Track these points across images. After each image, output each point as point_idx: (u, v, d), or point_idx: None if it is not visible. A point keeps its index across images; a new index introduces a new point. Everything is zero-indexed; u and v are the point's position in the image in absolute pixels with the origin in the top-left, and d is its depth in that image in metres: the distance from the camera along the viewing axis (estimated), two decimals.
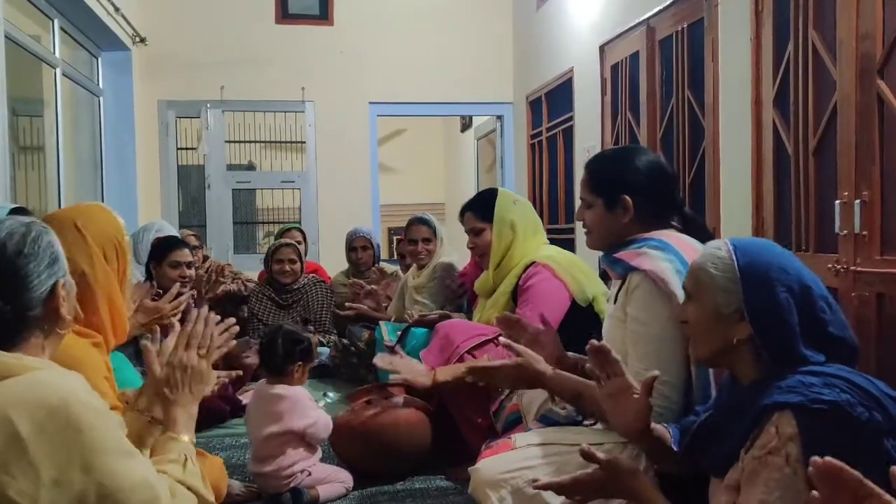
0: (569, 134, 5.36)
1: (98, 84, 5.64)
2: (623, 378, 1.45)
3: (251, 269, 5.22)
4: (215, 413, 3.19)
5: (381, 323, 3.45)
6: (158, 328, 1.68)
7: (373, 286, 4.11)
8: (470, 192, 6.02)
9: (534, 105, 6.15)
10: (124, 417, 1.40)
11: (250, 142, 6.60)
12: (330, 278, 4.85)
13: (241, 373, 2.16)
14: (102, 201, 5.62)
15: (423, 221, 3.88)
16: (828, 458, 0.86)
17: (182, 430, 1.38)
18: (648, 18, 4.03)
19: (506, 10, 6.53)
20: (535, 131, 6.13)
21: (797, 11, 2.81)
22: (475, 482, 1.72)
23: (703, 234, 1.83)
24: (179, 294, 2.88)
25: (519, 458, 1.69)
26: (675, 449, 1.46)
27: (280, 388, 2.42)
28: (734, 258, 1.34)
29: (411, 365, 2.46)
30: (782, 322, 1.28)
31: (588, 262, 2.73)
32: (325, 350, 4.05)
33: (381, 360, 2.44)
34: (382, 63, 6.34)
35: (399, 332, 3.13)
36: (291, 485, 2.35)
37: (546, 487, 1.43)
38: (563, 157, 5.53)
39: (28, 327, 1.19)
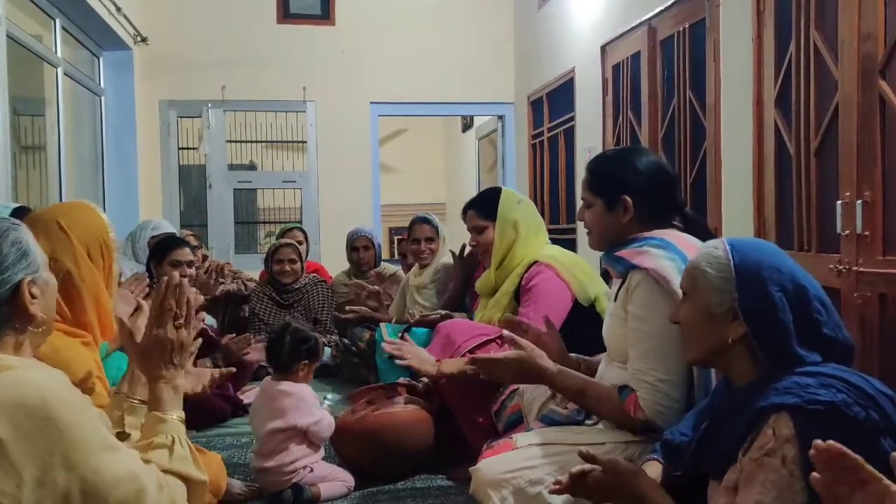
0: (570, 134, 5.36)
1: (99, 83, 5.64)
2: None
3: (252, 268, 5.22)
4: (216, 412, 3.19)
5: (381, 325, 3.46)
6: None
7: (375, 286, 4.12)
8: (471, 193, 6.03)
9: (535, 105, 6.15)
10: (110, 402, 1.39)
11: (251, 141, 6.60)
12: (331, 278, 4.85)
13: (234, 370, 2.16)
14: (104, 201, 5.63)
15: (426, 221, 3.89)
16: (830, 442, 0.86)
17: (168, 406, 1.33)
18: (650, 18, 4.03)
19: (507, 10, 6.53)
20: (536, 131, 6.13)
21: (799, 11, 2.81)
22: (476, 482, 1.72)
23: (705, 234, 1.83)
24: None
25: (520, 458, 1.69)
26: (670, 471, 1.46)
27: (285, 385, 2.43)
28: (730, 257, 1.34)
29: (418, 352, 2.46)
30: (777, 321, 1.29)
31: (589, 262, 2.73)
32: (325, 350, 4.05)
33: (389, 345, 2.45)
34: (384, 63, 6.34)
35: (400, 334, 3.13)
36: (293, 481, 2.35)
37: (559, 492, 1.42)
38: (565, 158, 5.53)
39: None
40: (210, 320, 4.08)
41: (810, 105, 2.76)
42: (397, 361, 2.39)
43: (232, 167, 6.44)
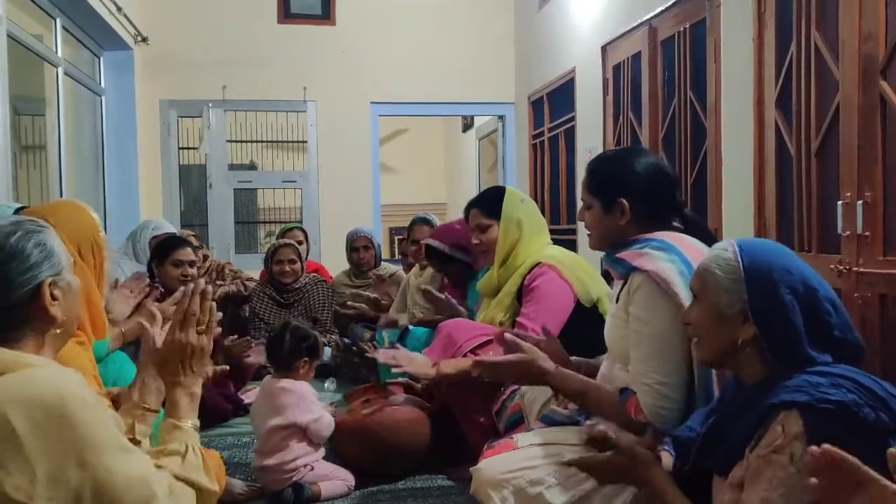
0: (570, 134, 5.36)
1: (100, 83, 5.64)
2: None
3: (252, 268, 5.22)
4: (217, 412, 3.19)
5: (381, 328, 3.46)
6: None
7: (371, 295, 4.14)
8: (471, 193, 6.03)
9: (535, 105, 6.15)
10: (122, 410, 1.40)
11: (252, 141, 6.60)
12: (332, 278, 4.85)
13: (227, 368, 2.16)
14: (104, 200, 5.63)
15: (426, 222, 3.90)
16: (825, 447, 0.86)
17: (185, 413, 1.35)
18: (650, 19, 4.03)
19: (507, 10, 6.53)
20: (536, 131, 6.13)
21: (800, 12, 2.81)
22: (477, 482, 1.72)
23: (705, 235, 1.82)
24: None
25: (521, 458, 1.69)
26: (678, 463, 1.46)
27: (286, 382, 2.43)
28: (739, 259, 1.34)
29: (413, 357, 2.45)
30: (787, 322, 1.29)
31: (590, 263, 2.73)
32: (326, 350, 4.05)
33: (382, 355, 2.44)
34: (384, 63, 6.34)
35: (399, 335, 3.14)
36: (294, 479, 2.36)
37: (573, 464, 1.42)
38: (565, 158, 5.53)
39: (17, 326, 1.20)
40: None
41: (811, 105, 2.76)
42: (394, 370, 2.39)
43: (232, 167, 6.44)
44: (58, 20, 4.66)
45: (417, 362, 2.41)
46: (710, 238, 1.77)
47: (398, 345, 3.01)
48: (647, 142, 4.12)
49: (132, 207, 5.71)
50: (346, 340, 3.98)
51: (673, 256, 1.67)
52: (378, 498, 2.42)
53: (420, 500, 2.40)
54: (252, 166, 6.77)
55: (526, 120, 6.31)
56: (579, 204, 1.98)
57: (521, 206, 2.68)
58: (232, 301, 4.51)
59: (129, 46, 5.66)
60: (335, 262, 5.23)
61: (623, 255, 1.75)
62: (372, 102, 6.43)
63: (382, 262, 4.73)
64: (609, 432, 1.36)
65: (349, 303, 4.12)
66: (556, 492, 1.59)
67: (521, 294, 2.56)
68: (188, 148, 6.40)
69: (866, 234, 2.44)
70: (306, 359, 2.46)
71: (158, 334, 1.47)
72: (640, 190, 1.80)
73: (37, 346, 1.21)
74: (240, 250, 6.39)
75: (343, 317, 4.18)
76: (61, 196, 4.68)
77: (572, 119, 5.28)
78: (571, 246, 4.76)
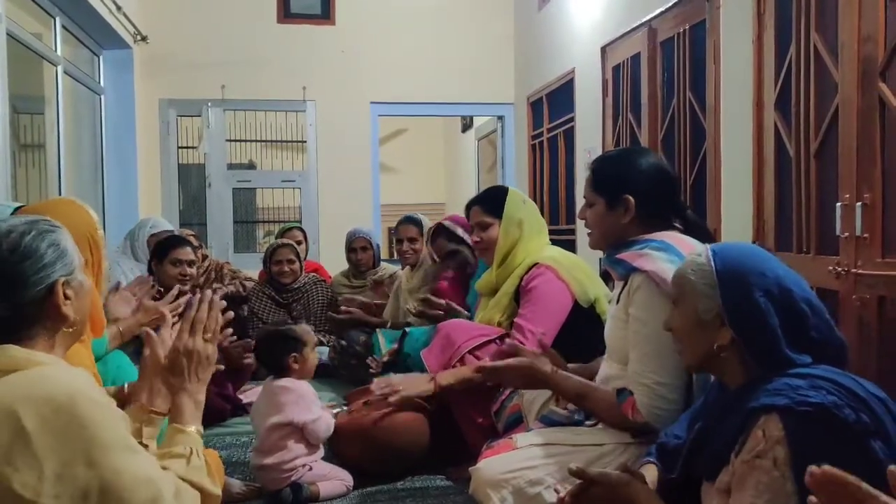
0: (570, 135, 5.37)
1: (99, 82, 5.64)
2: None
3: (251, 268, 5.22)
4: (216, 412, 3.19)
5: (378, 331, 3.46)
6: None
7: (363, 299, 4.14)
8: (470, 193, 6.04)
9: (535, 106, 6.15)
10: (129, 412, 1.41)
11: (251, 141, 6.60)
12: (330, 278, 4.85)
13: (222, 367, 2.16)
14: (103, 199, 5.63)
15: (410, 220, 3.90)
16: (826, 467, 0.86)
17: (189, 419, 1.37)
18: (650, 20, 4.03)
19: (507, 11, 6.54)
20: (535, 132, 6.13)
21: (799, 14, 2.81)
22: (476, 482, 1.72)
23: (705, 236, 1.83)
24: (181, 294, 2.88)
25: (520, 459, 1.70)
26: (665, 473, 1.46)
27: (286, 381, 2.44)
28: (712, 263, 1.34)
29: (409, 379, 2.49)
30: (763, 325, 1.29)
31: (589, 263, 2.73)
32: (324, 350, 4.05)
33: (378, 385, 2.46)
34: (384, 63, 6.35)
35: (397, 340, 3.15)
36: (292, 479, 2.36)
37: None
38: (564, 158, 5.53)
39: (30, 325, 1.21)
40: None
41: (810, 107, 2.76)
42: (391, 399, 2.41)
43: (231, 166, 6.44)
44: (57, 19, 4.66)
45: (413, 383, 2.45)
46: (710, 239, 1.77)
47: (396, 345, 3.03)
48: (646, 143, 4.12)
49: (131, 206, 5.71)
50: (343, 342, 3.98)
51: (673, 257, 1.67)
52: (377, 498, 2.42)
53: (419, 500, 2.40)
54: (251, 166, 6.77)
55: (525, 120, 6.31)
56: (578, 204, 1.98)
57: (522, 206, 2.69)
58: (231, 301, 4.50)
59: (129, 45, 5.66)
60: (334, 262, 5.23)
61: (623, 255, 1.76)
62: (371, 102, 6.43)
63: (382, 263, 4.72)
64: (577, 468, 1.36)
65: (342, 308, 4.12)
66: (554, 492, 1.59)
67: (518, 294, 2.56)
68: (187, 147, 6.40)
69: (865, 235, 2.44)
70: (294, 354, 2.46)
71: (168, 335, 1.48)
72: (645, 188, 1.81)
73: (48, 344, 1.23)
74: (238, 250, 6.39)
75: (338, 321, 4.17)
76: (60, 195, 4.68)
77: (571, 120, 5.29)
78: (570, 246, 4.76)
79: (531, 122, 6.24)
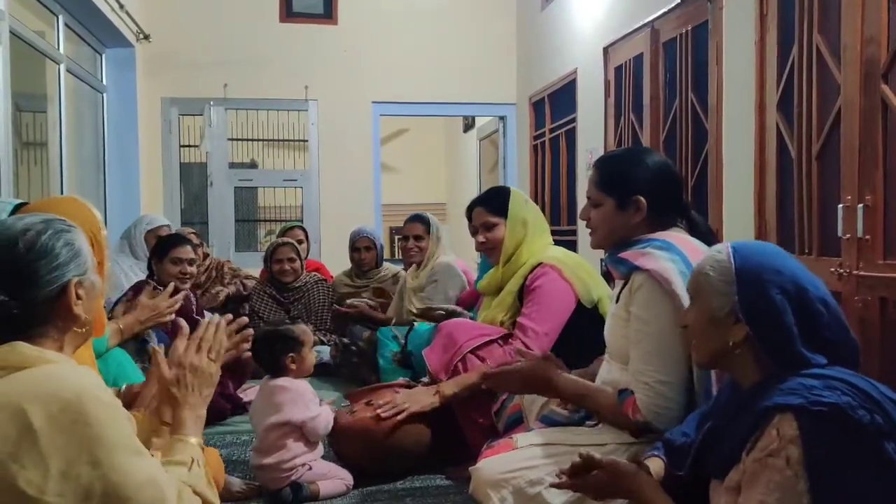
0: (571, 135, 5.37)
1: (101, 80, 5.64)
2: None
3: (252, 266, 5.22)
4: (216, 410, 3.19)
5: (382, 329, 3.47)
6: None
7: (369, 301, 4.14)
8: (472, 193, 6.04)
9: (537, 106, 6.15)
10: (141, 420, 1.42)
11: (253, 140, 6.60)
12: (332, 277, 4.85)
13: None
14: (105, 198, 5.63)
15: (418, 219, 3.90)
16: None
17: (190, 431, 1.39)
18: (653, 21, 4.03)
19: (510, 11, 6.53)
20: (537, 132, 6.13)
21: (802, 15, 2.81)
22: (476, 482, 1.72)
23: (708, 236, 1.83)
24: (177, 291, 2.88)
25: (520, 458, 1.70)
26: (672, 470, 1.46)
27: (283, 381, 2.43)
28: (732, 260, 1.35)
29: (413, 395, 2.50)
30: (778, 323, 1.29)
31: (591, 264, 2.73)
32: (325, 349, 4.05)
33: (384, 409, 2.46)
34: (386, 63, 6.35)
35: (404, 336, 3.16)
36: (292, 478, 2.36)
37: (561, 486, 1.43)
38: (566, 159, 5.53)
39: (41, 323, 1.21)
40: (209, 317, 4.07)
41: (812, 108, 2.76)
42: (397, 418, 2.43)
43: (233, 165, 6.45)
44: (60, 17, 4.66)
45: (418, 398, 2.47)
46: (713, 239, 1.77)
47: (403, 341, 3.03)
48: (648, 143, 4.12)
49: (133, 205, 5.71)
50: (345, 340, 3.98)
51: (675, 256, 1.67)
52: (377, 497, 2.42)
53: (419, 500, 2.39)
54: (253, 165, 6.77)
55: (527, 121, 6.31)
56: (580, 205, 1.98)
57: (525, 205, 2.69)
58: (232, 300, 4.51)
59: (131, 44, 5.66)
60: (336, 262, 5.23)
61: (625, 254, 1.76)
62: (373, 102, 6.43)
63: (385, 263, 4.72)
64: (587, 453, 1.37)
65: (348, 301, 4.12)
66: (555, 492, 1.59)
67: (522, 294, 2.56)
68: (189, 146, 6.40)
69: (867, 237, 2.44)
70: (291, 354, 2.46)
71: (182, 345, 1.50)
72: (654, 187, 1.80)
73: (57, 343, 1.23)
74: (240, 248, 6.39)
75: (342, 316, 4.18)
76: (62, 193, 4.68)
77: (573, 120, 5.28)
78: (572, 246, 4.76)
79: (533, 122, 6.24)
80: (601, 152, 4.54)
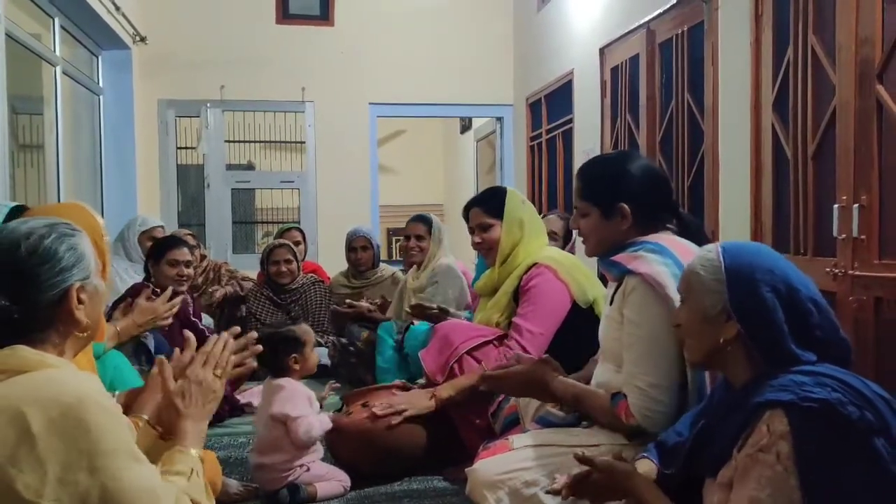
0: (568, 136, 5.37)
1: (98, 83, 5.64)
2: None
3: (249, 268, 5.22)
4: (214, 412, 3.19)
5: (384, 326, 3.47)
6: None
7: (368, 303, 4.14)
8: (469, 194, 6.03)
9: (533, 107, 6.16)
10: (141, 431, 1.42)
11: (250, 142, 6.61)
12: (329, 278, 4.85)
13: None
14: (102, 200, 5.63)
15: (420, 219, 3.90)
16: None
17: (191, 443, 1.38)
18: (649, 21, 4.03)
19: (506, 12, 6.54)
20: (534, 133, 6.14)
21: (797, 16, 2.81)
22: (473, 483, 1.72)
23: (700, 236, 1.83)
24: (175, 294, 2.88)
25: (516, 460, 1.70)
26: (662, 469, 1.47)
27: (283, 380, 2.44)
28: (721, 259, 1.36)
29: (409, 398, 2.51)
30: (769, 320, 1.30)
31: (587, 264, 2.73)
32: (322, 350, 4.05)
33: (380, 407, 2.48)
34: (382, 64, 6.35)
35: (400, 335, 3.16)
36: (289, 479, 2.36)
37: (559, 493, 1.44)
38: (563, 160, 5.54)
39: (43, 327, 1.21)
40: (207, 320, 4.07)
41: (808, 109, 2.76)
42: (393, 421, 2.44)
43: (230, 167, 6.44)
44: (56, 19, 4.66)
45: (414, 401, 2.49)
46: (704, 239, 1.77)
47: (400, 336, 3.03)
48: (644, 144, 4.13)
49: (130, 207, 5.70)
50: (343, 340, 3.98)
51: (667, 259, 1.68)
52: (374, 499, 2.42)
53: (416, 501, 2.40)
54: (250, 166, 6.77)
55: (524, 121, 6.32)
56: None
57: (522, 206, 2.69)
58: (228, 302, 4.51)
59: (128, 46, 5.66)
60: (333, 263, 5.23)
61: (618, 258, 1.76)
62: (370, 103, 6.44)
63: (381, 263, 4.72)
64: (582, 454, 1.38)
65: (347, 301, 4.12)
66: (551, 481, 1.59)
67: (517, 294, 2.56)
68: (186, 148, 6.40)
69: (862, 237, 2.44)
70: (294, 355, 2.47)
71: (189, 356, 1.51)
72: (638, 194, 1.81)
73: (58, 348, 1.23)
74: (237, 250, 6.39)
75: (341, 315, 4.17)
76: (59, 195, 4.68)
77: (570, 121, 5.29)
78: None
79: (530, 123, 6.24)
80: (598, 153, 4.55)
